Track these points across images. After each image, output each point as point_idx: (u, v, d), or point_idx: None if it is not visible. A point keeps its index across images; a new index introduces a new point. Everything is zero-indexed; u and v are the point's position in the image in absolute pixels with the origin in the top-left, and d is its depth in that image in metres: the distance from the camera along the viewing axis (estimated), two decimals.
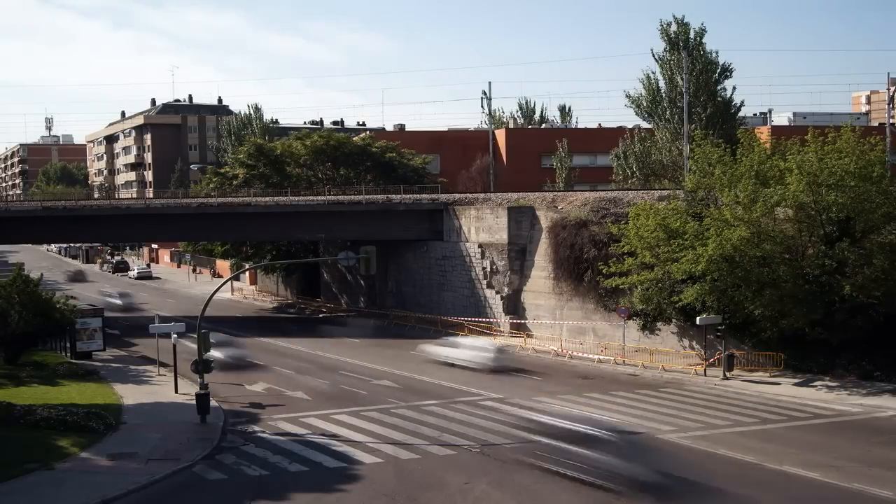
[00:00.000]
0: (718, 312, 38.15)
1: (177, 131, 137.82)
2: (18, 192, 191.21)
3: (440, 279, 58.89)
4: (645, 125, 69.60)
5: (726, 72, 62.77)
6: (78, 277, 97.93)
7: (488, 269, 54.76)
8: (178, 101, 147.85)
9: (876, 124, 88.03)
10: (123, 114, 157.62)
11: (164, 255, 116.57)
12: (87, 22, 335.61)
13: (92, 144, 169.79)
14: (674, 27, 62.31)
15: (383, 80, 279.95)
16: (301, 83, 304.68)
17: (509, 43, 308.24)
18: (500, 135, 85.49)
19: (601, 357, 43.91)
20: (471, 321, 53.36)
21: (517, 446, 27.34)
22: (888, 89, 66.97)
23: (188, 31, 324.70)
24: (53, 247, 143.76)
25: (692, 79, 60.98)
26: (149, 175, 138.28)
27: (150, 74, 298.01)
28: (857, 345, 36.68)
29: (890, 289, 35.51)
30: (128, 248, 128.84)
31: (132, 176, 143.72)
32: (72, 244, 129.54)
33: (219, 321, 58.68)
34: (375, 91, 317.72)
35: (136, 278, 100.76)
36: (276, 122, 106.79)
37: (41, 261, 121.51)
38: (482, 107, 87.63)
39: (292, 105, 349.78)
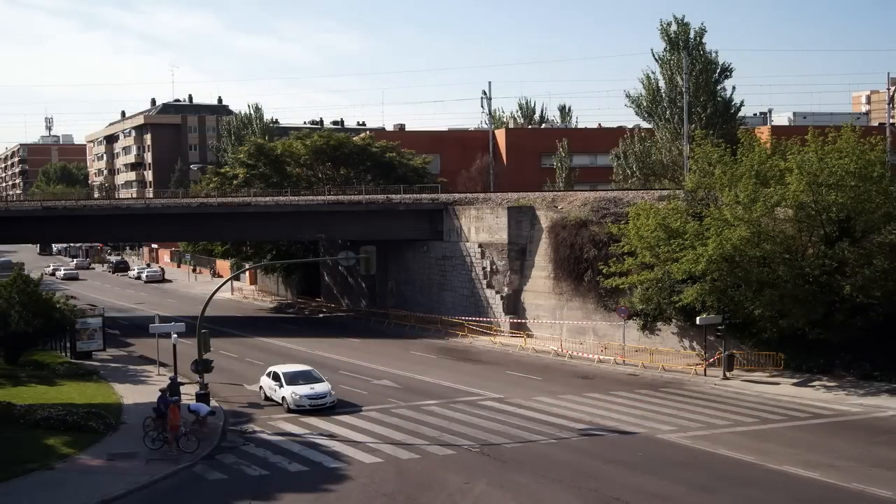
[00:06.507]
0: (718, 312, 38.15)
1: (177, 131, 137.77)
2: (18, 192, 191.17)
3: (440, 279, 58.88)
4: (645, 125, 69.64)
5: (726, 72, 62.85)
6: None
7: (488, 269, 54.76)
8: (178, 100, 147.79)
9: (876, 124, 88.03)
10: (123, 114, 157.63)
11: (164, 255, 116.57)
12: (56, 22, 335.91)
13: (92, 144, 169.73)
14: (674, 27, 62.36)
15: (371, 80, 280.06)
16: (281, 83, 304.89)
17: (509, 43, 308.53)
18: (500, 135, 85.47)
19: (601, 357, 43.91)
20: (471, 321, 53.37)
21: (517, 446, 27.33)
22: (888, 89, 66.96)
23: (160, 31, 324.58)
24: (55, 247, 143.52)
25: (692, 79, 61.03)
26: (149, 175, 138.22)
27: (128, 75, 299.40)
28: (856, 345, 36.68)
29: (890, 289, 35.51)
30: (128, 248, 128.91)
31: (132, 176, 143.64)
32: (72, 244, 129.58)
33: (219, 321, 58.72)
34: (359, 91, 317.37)
35: (146, 282, 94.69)
36: (276, 122, 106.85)
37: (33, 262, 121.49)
38: (482, 107, 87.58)
39: (278, 106, 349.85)
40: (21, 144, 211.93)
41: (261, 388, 36.47)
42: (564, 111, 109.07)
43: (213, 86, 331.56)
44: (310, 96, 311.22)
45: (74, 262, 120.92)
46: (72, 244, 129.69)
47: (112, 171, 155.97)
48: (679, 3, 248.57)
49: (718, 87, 62.67)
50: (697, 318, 38.23)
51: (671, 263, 38.41)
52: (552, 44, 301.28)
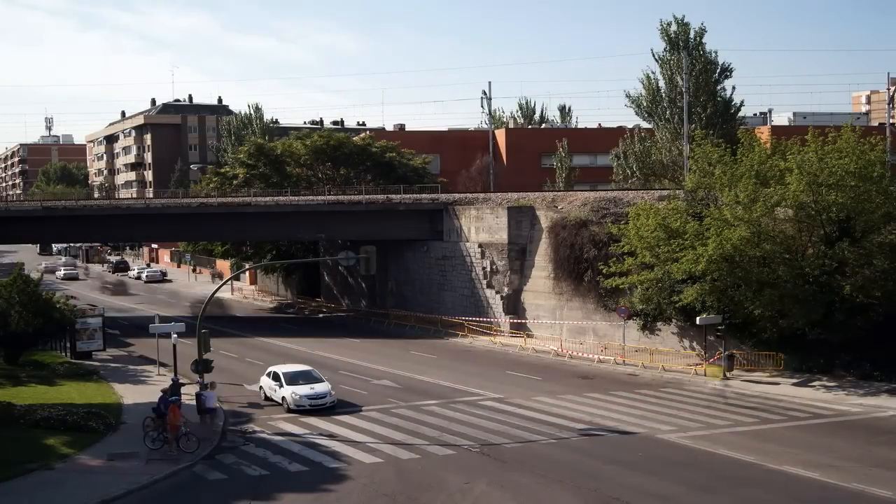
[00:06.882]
0: (718, 312, 38.14)
1: (177, 131, 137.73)
2: (18, 192, 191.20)
3: (440, 279, 58.87)
4: (645, 125, 69.60)
5: (726, 72, 62.87)
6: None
7: (488, 269, 54.75)
8: (178, 100, 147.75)
9: (876, 124, 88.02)
10: (123, 114, 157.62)
11: (164, 255, 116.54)
12: (55, 21, 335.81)
13: (92, 144, 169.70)
14: (674, 27, 62.36)
15: (371, 80, 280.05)
16: (280, 83, 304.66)
17: (509, 43, 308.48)
18: (500, 135, 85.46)
19: (601, 357, 43.90)
20: (471, 321, 53.36)
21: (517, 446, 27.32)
22: (888, 89, 66.97)
23: (159, 31, 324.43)
24: (55, 247, 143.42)
25: (692, 79, 61.01)
26: (149, 175, 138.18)
27: (127, 75, 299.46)
28: (856, 345, 36.66)
29: (890, 289, 35.51)
30: (128, 248, 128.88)
31: (132, 176, 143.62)
32: (72, 244, 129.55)
33: (219, 321, 58.72)
34: (359, 91, 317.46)
35: (146, 282, 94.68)
36: (276, 121, 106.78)
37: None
38: (482, 107, 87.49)
39: (278, 106, 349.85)
40: (21, 144, 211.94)
41: (261, 388, 36.47)
42: (564, 111, 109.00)
43: (213, 86, 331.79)
44: (309, 96, 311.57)
45: (75, 261, 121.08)
46: (72, 244, 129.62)
47: (112, 171, 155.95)
48: (679, 3, 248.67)
49: (718, 87, 62.68)
50: (697, 318, 38.23)
51: (671, 263, 38.40)
52: (552, 44, 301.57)
